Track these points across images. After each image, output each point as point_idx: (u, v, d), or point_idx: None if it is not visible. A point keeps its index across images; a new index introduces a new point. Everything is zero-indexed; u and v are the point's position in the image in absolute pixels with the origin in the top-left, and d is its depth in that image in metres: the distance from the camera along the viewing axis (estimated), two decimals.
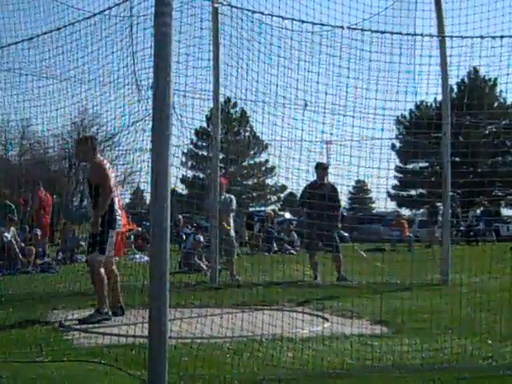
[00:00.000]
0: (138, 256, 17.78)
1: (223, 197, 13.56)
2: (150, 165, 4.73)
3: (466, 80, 46.35)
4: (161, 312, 4.58)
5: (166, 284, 4.60)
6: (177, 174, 11.46)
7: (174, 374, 4.84)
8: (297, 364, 5.71)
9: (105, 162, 8.61)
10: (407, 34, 11.06)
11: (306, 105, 10.15)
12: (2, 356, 5.90)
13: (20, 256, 14.84)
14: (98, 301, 8.31)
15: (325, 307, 8.79)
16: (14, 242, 15.31)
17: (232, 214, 13.82)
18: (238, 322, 7.35)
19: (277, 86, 9.60)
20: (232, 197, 13.86)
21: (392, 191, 50.92)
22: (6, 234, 15.28)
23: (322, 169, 12.99)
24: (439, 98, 13.83)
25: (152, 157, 4.68)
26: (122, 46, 9.08)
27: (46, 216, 18.40)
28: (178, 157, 9.95)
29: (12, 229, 15.78)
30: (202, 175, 54.45)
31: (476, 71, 44.01)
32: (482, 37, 10.90)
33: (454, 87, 35.80)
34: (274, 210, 33.21)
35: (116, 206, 8.51)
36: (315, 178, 13.14)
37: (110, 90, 9.78)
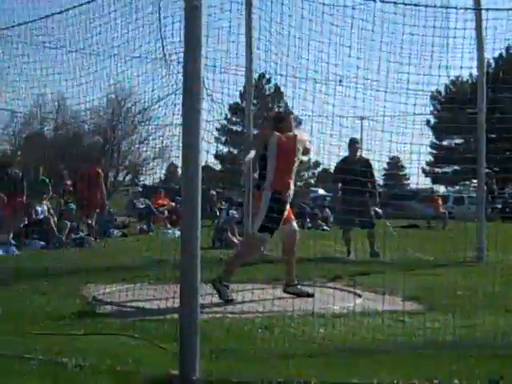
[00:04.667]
0: (170, 231, 17.92)
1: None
2: (180, 139, 4.69)
3: (503, 54, 45.43)
4: (192, 286, 4.58)
5: (197, 258, 4.59)
6: (208, 149, 11.42)
7: (205, 348, 4.85)
8: (328, 340, 5.70)
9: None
10: (441, 7, 10.90)
11: (340, 81, 10.07)
12: (36, 328, 5.97)
13: (55, 231, 14.98)
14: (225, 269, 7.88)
15: (357, 283, 8.75)
16: (50, 216, 15.48)
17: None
18: (269, 298, 7.34)
19: (308, 60, 9.53)
20: None
21: (426, 168, 50.40)
22: (38, 208, 15.43)
23: (353, 144, 12.91)
24: (475, 72, 13.59)
25: (182, 131, 4.66)
26: (152, 20, 9.03)
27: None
28: (210, 132, 9.90)
29: (46, 203, 15.93)
30: (236, 151, 54.48)
31: None
32: None
33: (491, 61, 35.12)
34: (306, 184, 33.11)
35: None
36: (348, 153, 13.05)
37: (141, 64, 9.77)
